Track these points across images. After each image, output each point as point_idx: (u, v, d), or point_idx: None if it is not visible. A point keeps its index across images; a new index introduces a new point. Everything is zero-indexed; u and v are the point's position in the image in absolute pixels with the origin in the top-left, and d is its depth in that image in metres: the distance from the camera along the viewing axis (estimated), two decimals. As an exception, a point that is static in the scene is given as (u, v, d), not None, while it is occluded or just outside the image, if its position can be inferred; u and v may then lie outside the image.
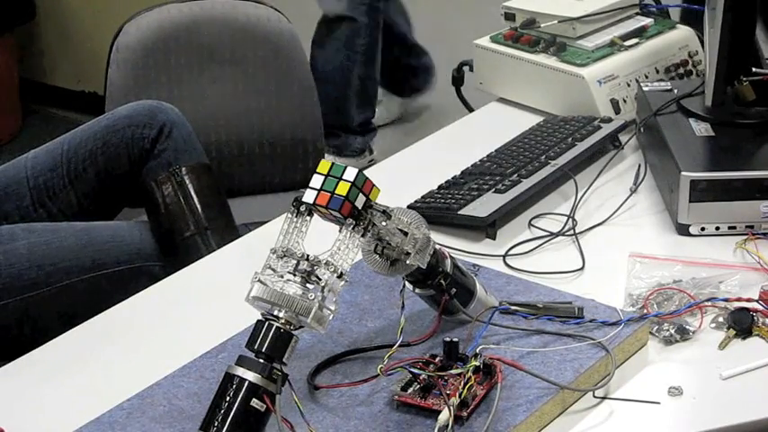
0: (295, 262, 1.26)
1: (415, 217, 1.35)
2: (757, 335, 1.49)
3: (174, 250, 2.04)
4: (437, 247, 1.39)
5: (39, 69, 4.56)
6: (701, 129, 1.84)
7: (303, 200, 1.28)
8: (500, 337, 1.44)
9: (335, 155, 3.83)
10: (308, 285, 1.25)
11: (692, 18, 2.15)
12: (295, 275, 1.25)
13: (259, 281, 1.25)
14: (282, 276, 1.25)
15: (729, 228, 1.72)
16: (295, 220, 1.28)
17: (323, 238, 1.30)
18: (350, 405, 1.35)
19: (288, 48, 2.53)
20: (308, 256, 1.26)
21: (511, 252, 1.71)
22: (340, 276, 1.25)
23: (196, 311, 1.62)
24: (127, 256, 2.02)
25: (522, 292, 1.55)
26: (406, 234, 1.33)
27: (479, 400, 1.32)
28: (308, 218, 1.28)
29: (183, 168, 2.10)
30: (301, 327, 1.24)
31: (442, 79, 4.22)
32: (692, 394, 1.40)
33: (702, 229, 1.73)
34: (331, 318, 1.25)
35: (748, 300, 1.52)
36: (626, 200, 1.82)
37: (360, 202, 1.27)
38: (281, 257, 1.27)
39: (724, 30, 1.83)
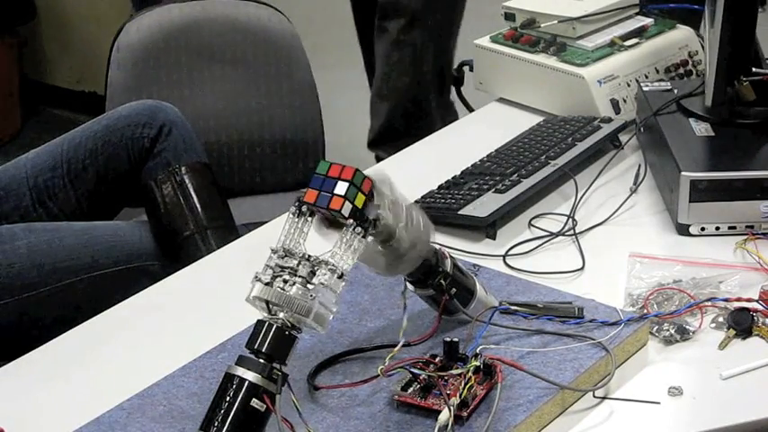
0: (296, 262, 1.26)
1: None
2: (757, 335, 1.49)
3: (173, 250, 2.04)
4: (437, 247, 1.39)
5: (39, 69, 4.56)
6: (701, 129, 1.84)
7: (303, 200, 1.28)
8: (500, 337, 1.44)
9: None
10: (308, 286, 1.25)
11: (692, 18, 2.15)
12: (295, 275, 1.25)
13: (259, 281, 1.25)
14: (282, 276, 1.25)
15: (729, 228, 1.72)
16: (296, 220, 1.28)
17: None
18: (350, 405, 1.35)
19: (288, 48, 2.54)
20: (308, 256, 1.26)
21: (511, 252, 1.71)
22: (340, 277, 1.25)
23: (196, 311, 1.62)
24: (127, 255, 2.02)
25: (522, 292, 1.55)
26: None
27: (479, 400, 1.32)
28: (309, 218, 1.28)
29: (183, 168, 2.09)
30: (301, 327, 1.24)
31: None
32: (692, 394, 1.40)
33: (702, 229, 1.73)
34: (331, 318, 1.25)
35: (748, 300, 1.52)
36: (626, 200, 1.82)
37: (359, 201, 1.27)
38: (282, 257, 1.26)
39: (724, 30, 1.83)
